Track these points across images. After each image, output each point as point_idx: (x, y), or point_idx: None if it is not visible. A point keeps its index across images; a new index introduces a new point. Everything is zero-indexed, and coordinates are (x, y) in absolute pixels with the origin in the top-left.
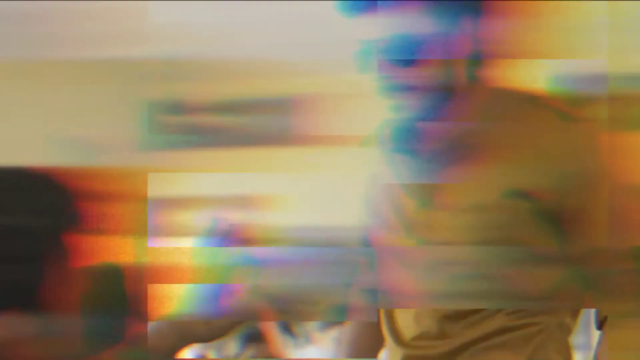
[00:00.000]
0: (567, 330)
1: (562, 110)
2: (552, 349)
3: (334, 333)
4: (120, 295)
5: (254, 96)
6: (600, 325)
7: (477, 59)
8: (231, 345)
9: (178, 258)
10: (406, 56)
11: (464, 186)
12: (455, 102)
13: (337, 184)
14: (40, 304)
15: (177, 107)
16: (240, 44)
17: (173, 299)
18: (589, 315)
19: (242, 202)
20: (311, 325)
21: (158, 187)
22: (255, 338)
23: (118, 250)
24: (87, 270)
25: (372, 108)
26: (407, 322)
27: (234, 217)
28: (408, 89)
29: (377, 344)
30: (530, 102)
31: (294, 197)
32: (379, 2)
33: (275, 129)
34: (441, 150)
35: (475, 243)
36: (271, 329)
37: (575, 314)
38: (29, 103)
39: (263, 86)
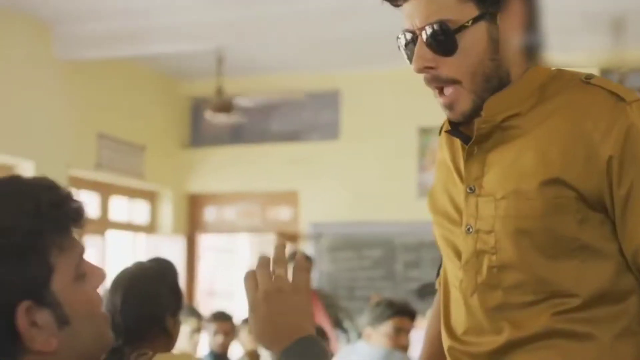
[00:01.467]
0: (633, 337)
1: (615, 91)
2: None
3: (385, 328)
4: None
5: (300, 92)
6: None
7: (533, 43)
8: None
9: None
10: (451, 44)
11: (511, 173)
12: (507, 86)
13: (387, 176)
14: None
15: (223, 104)
16: (284, 40)
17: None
18: None
19: (288, 197)
20: (362, 320)
21: (203, 183)
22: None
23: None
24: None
25: (418, 98)
26: (460, 316)
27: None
28: (452, 80)
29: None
30: (583, 81)
31: (339, 192)
32: None
33: (321, 124)
34: (488, 134)
35: (518, 231)
36: (326, 324)
37: None
38: (74, 101)
39: (309, 82)
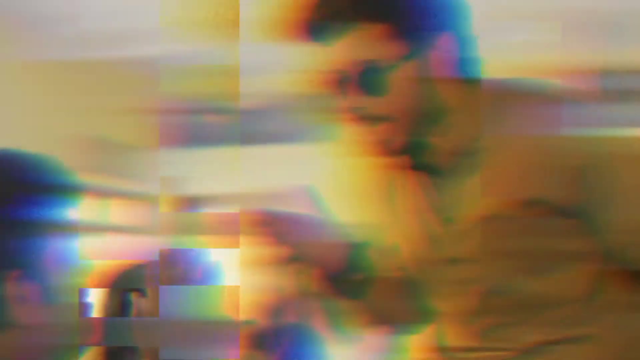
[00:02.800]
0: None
1: (569, 97)
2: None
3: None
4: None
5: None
6: None
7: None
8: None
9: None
10: (380, 85)
11: (485, 198)
12: (453, 116)
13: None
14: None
15: (223, 105)
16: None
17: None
18: None
19: (269, 199)
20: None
21: (184, 186)
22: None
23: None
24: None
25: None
26: (452, 332)
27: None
28: (383, 118)
29: None
30: (533, 92)
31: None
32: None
33: (302, 127)
34: (454, 162)
35: (500, 254)
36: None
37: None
38: (59, 103)
39: (291, 86)
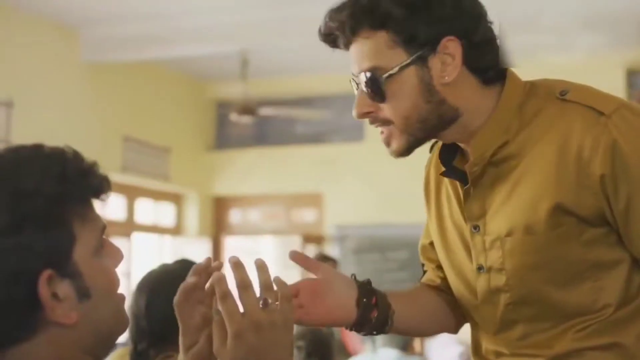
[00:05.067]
0: None
1: (593, 105)
2: None
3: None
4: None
5: (325, 93)
6: None
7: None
8: None
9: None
10: (380, 92)
11: (510, 209)
12: (461, 118)
13: (412, 177)
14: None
15: (247, 106)
16: (309, 42)
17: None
18: None
19: (313, 199)
20: None
21: (228, 185)
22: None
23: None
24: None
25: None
26: (490, 345)
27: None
28: (387, 122)
29: None
30: (559, 98)
31: (364, 193)
32: None
33: (345, 126)
34: (482, 172)
35: (527, 268)
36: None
37: None
38: (100, 104)
39: (333, 83)
